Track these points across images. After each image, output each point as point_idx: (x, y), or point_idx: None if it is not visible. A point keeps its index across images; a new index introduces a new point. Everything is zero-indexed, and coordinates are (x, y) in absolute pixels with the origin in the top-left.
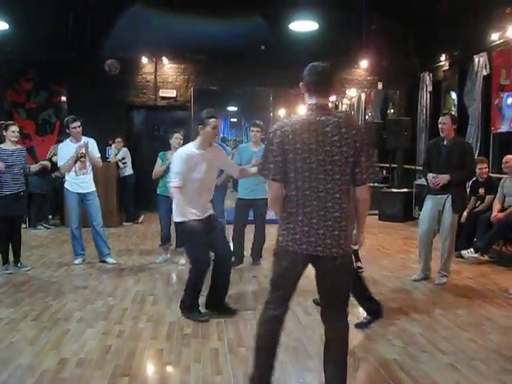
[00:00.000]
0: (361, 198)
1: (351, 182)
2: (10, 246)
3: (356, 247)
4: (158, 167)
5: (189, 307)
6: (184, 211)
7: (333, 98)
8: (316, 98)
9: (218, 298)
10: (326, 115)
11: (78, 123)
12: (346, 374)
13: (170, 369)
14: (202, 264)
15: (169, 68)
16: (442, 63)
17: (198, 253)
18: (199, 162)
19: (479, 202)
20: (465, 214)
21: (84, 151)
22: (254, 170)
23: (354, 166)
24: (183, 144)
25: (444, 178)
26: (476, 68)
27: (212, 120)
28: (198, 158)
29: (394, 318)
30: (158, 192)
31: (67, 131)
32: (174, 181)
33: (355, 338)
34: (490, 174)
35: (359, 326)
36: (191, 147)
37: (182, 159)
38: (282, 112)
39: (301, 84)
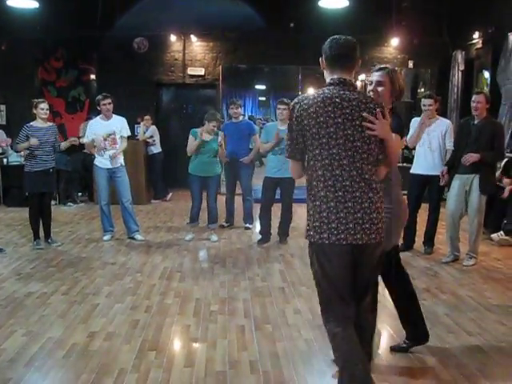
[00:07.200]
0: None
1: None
2: (41, 222)
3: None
4: (192, 142)
5: None
6: None
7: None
8: (339, 73)
9: None
10: (351, 90)
11: (109, 100)
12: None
13: (196, 344)
14: None
15: (197, 46)
16: (474, 41)
17: None
18: None
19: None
20: (507, 188)
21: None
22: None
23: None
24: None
25: (474, 157)
26: (510, 46)
27: None
28: None
29: (420, 298)
30: (189, 171)
31: (98, 108)
32: None
33: (380, 317)
34: None
35: (396, 349)
36: None
37: None
38: (310, 90)
39: (321, 59)
